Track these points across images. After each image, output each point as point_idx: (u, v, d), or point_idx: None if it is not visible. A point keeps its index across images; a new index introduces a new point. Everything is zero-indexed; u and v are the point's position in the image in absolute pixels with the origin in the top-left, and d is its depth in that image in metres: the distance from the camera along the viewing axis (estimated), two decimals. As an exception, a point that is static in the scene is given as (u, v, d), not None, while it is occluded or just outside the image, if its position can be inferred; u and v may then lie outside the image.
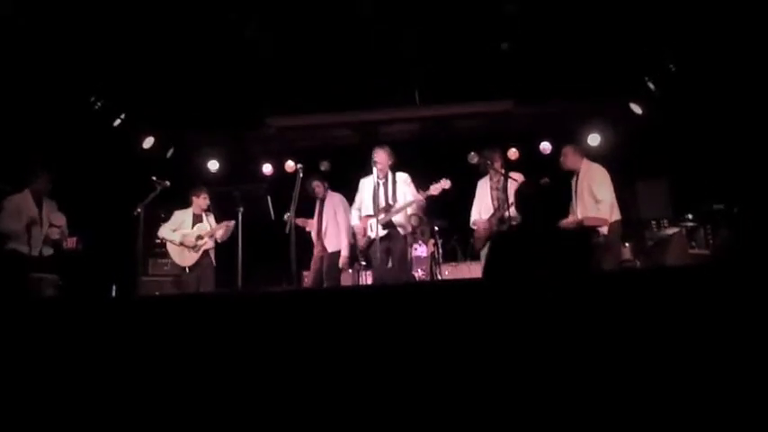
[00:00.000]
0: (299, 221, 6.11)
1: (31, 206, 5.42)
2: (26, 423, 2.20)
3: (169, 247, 6.17)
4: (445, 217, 6.96)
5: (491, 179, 5.85)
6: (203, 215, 6.26)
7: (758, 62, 5.34)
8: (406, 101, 7.36)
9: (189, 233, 6.13)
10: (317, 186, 6.25)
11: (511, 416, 2.01)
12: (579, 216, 5.39)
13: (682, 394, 1.97)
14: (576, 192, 5.50)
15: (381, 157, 5.62)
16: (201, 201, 6.22)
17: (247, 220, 5.87)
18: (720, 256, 5.68)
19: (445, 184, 5.43)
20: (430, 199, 5.53)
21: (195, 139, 8.13)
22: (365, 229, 5.64)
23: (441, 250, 7.07)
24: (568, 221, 5.50)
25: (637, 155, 7.06)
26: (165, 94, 6.79)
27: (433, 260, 7.05)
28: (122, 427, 2.17)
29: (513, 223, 5.22)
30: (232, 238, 5.97)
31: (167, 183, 5.71)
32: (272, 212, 6.23)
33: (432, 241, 7.06)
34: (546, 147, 7.81)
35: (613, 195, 5.33)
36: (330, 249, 6.16)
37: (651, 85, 6.64)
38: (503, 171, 5.81)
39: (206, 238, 6.13)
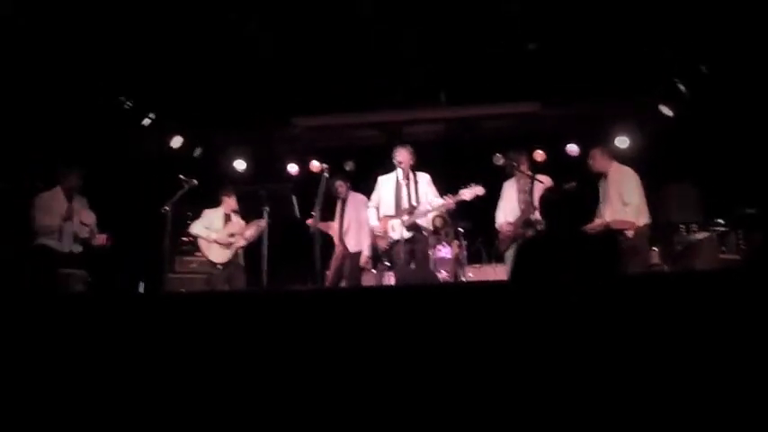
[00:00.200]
0: (322, 226, 6.12)
1: (62, 203, 5.53)
2: (56, 415, 2.24)
3: (202, 243, 6.27)
4: (469, 218, 6.91)
5: (517, 181, 5.80)
6: (232, 215, 6.35)
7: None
8: (432, 101, 7.34)
9: (222, 231, 6.23)
10: (340, 186, 6.27)
11: (536, 420, 1.99)
12: (608, 219, 5.33)
13: (712, 401, 1.93)
14: (604, 194, 5.44)
15: (404, 156, 5.55)
16: (232, 200, 6.31)
17: (272, 220, 5.92)
18: (752, 261, 5.56)
19: (479, 190, 5.32)
20: (460, 203, 5.43)
21: (222, 138, 8.22)
22: (386, 231, 5.56)
23: (465, 252, 7.03)
24: (595, 225, 5.44)
25: (666, 158, 6.93)
26: (194, 95, 6.87)
27: (457, 262, 7.01)
28: (151, 421, 2.19)
29: (539, 227, 5.16)
30: (258, 238, 6.02)
31: (195, 181, 5.78)
32: (296, 212, 6.26)
33: (456, 243, 7.03)
34: (573, 149, 7.72)
35: (642, 198, 5.26)
36: (352, 249, 6.17)
37: (682, 87, 6.52)
38: (529, 173, 5.76)
39: (238, 237, 6.22)
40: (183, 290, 6.74)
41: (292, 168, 8.36)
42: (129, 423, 2.20)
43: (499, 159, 6.03)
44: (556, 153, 7.70)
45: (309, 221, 6.10)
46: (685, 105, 6.66)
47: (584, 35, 6.04)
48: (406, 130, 8.03)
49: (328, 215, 6.29)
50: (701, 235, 6.11)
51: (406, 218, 5.37)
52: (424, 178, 5.61)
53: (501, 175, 6.10)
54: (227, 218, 6.32)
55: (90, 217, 5.65)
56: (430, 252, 6.46)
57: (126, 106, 6.77)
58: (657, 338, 2.04)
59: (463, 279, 6.85)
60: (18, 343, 2.37)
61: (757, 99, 5.73)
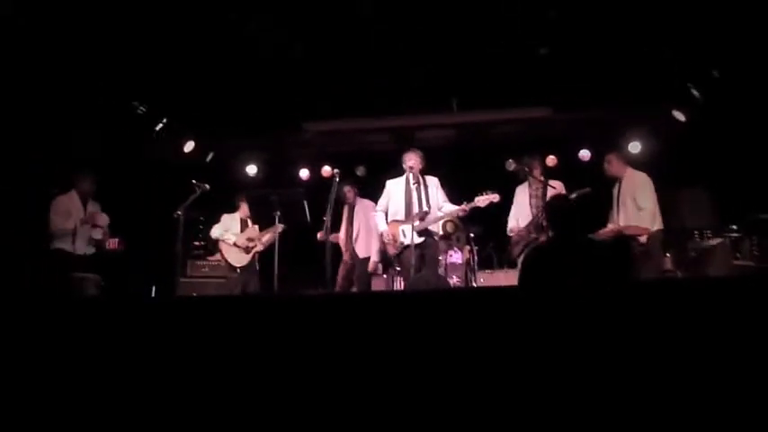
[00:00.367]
0: (333, 238, 6.17)
1: (78, 207, 5.62)
2: (70, 418, 2.25)
3: (223, 247, 6.36)
4: (481, 223, 6.89)
5: (529, 186, 5.79)
6: (248, 220, 6.42)
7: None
8: (444, 107, 7.34)
9: (240, 235, 6.31)
10: (348, 192, 6.29)
11: (547, 425, 1.97)
12: (621, 224, 5.31)
13: (725, 409, 1.91)
14: (617, 199, 5.43)
15: (415, 160, 5.47)
16: (246, 206, 6.38)
17: (284, 225, 5.94)
18: (767, 267, 5.50)
19: (494, 197, 5.26)
20: (474, 210, 5.37)
21: (234, 143, 8.25)
22: (395, 236, 5.46)
23: (476, 257, 7.01)
24: (607, 230, 5.43)
25: (679, 163, 6.88)
26: (206, 100, 6.91)
27: (469, 267, 6.99)
28: (163, 424, 2.20)
29: (552, 232, 5.15)
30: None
31: (207, 186, 5.82)
32: (308, 217, 6.28)
33: (467, 248, 7.01)
34: (585, 154, 7.69)
35: (656, 204, 5.25)
36: (361, 255, 6.18)
37: (694, 91, 6.47)
38: (542, 179, 5.74)
39: (256, 241, 6.29)
40: (195, 294, 6.78)
41: (304, 173, 8.39)
42: (141, 426, 2.21)
43: (511, 165, 6.03)
44: (568, 158, 7.67)
45: (320, 235, 6.13)
46: (698, 110, 6.61)
47: (596, 40, 6.01)
48: (418, 136, 8.03)
49: (336, 221, 6.30)
50: (714, 241, 6.06)
51: (417, 223, 5.31)
52: (433, 182, 5.55)
53: (512, 181, 6.09)
54: (244, 223, 6.41)
55: (104, 219, 5.71)
56: (441, 257, 6.45)
57: (139, 111, 6.82)
58: (670, 345, 2.02)
59: (475, 284, 6.82)
60: (33, 346, 2.39)
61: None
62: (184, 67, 6.26)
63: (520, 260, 5.59)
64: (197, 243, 7.36)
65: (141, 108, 6.85)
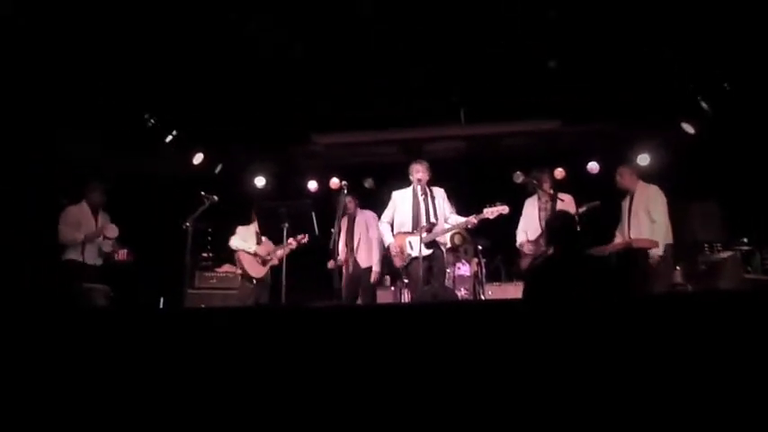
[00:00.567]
0: (330, 264, 6.32)
1: (89, 218, 5.65)
2: (80, 425, 2.25)
3: (243, 257, 6.37)
4: (489, 236, 6.87)
5: (539, 199, 5.78)
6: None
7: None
8: (452, 119, 7.34)
9: (259, 247, 6.35)
10: (349, 202, 6.30)
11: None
12: (632, 236, 5.29)
13: (734, 424, 1.89)
14: (629, 212, 5.41)
15: (422, 172, 5.44)
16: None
17: (292, 236, 5.97)
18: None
19: (503, 209, 5.17)
20: (483, 222, 5.31)
21: (243, 155, 8.29)
22: (402, 247, 5.41)
23: (484, 270, 6.98)
24: (615, 244, 5.40)
25: (689, 176, 6.85)
26: (215, 113, 6.96)
27: (477, 279, 6.96)
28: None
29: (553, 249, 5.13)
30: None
31: (215, 198, 5.84)
32: (316, 229, 6.30)
33: (475, 260, 6.99)
34: (593, 167, 7.67)
35: (668, 217, 5.24)
36: (363, 265, 6.18)
37: (704, 104, 6.45)
38: (551, 192, 5.73)
39: (272, 255, 6.33)
40: (203, 305, 6.78)
41: (312, 185, 8.41)
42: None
43: (519, 177, 6.02)
44: (576, 171, 7.65)
45: (331, 264, 6.30)
46: (708, 123, 6.59)
47: (605, 52, 6.01)
48: (427, 148, 8.04)
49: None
50: (724, 254, 6.01)
51: (425, 235, 5.27)
52: (440, 193, 5.52)
53: (521, 193, 6.08)
54: (259, 235, 6.44)
55: (114, 231, 5.73)
56: (449, 270, 6.43)
57: (149, 123, 6.87)
58: (681, 358, 2.01)
59: (483, 297, 6.79)
60: (43, 356, 2.40)
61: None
62: (194, 80, 6.31)
63: (529, 273, 5.58)
64: (205, 254, 7.37)
65: (151, 120, 6.90)
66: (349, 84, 6.57)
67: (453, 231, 5.86)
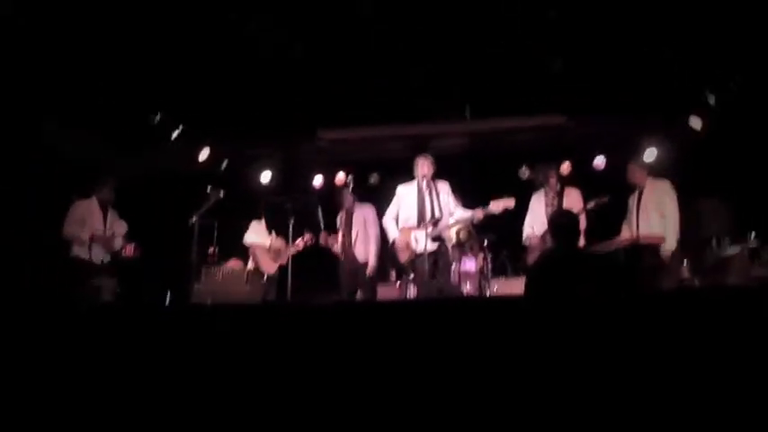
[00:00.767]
0: (330, 240, 6.24)
1: (97, 214, 5.64)
2: (85, 421, 2.27)
3: (258, 252, 6.38)
4: (494, 231, 6.85)
5: (545, 194, 5.77)
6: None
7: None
8: (457, 115, 7.33)
9: (273, 240, 6.37)
10: (347, 197, 6.30)
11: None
12: (641, 232, 5.28)
13: (741, 420, 1.88)
14: (637, 207, 5.39)
15: (426, 166, 5.40)
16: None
17: (298, 232, 5.98)
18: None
19: (509, 203, 5.08)
20: (488, 216, 5.25)
21: (249, 151, 8.30)
22: (408, 243, 5.36)
23: (490, 265, 6.96)
24: (622, 239, 5.39)
25: (696, 171, 6.81)
26: (221, 108, 6.97)
27: (482, 275, 6.95)
28: (176, 428, 2.21)
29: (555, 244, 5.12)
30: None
31: (221, 193, 5.85)
32: (322, 224, 6.31)
33: (481, 255, 6.97)
34: (599, 162, 7.63)
35: (677, 212, 5.24)
36: (360, 260, 6.18)
37: (711, 100, 6.41)
38: (558, 187, 5.72)
39: (284, 252, 6.34)
40: (209, 301, 6.79)
41: (317, 181, 8.41)
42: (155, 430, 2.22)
43: (525, 173, 6.00)
44: (582, 166, 7.62)
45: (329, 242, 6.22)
46: (715, 118, 6.55)
47: (611, 47, 5.98)
48: (432, 144, 8.01)
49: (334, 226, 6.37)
50: (732, 250, 5.98)
51: (430, 229, 5.24)
52: (445, 187, 5.47)
53: (527, 188, 6.07)
54: (269, 231, 6.46)
55: (122, 227, 5.75)
56: (454, 265, 6.41)
57: (155, 120, 6.89)
58: (688, 353, 2.00)
59: (488, 292, 6.77)
60: (49, 352, 2.41)
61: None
62: (200, 76, 6.33)
63: (535, 268, 5.57)
64: (211, 250, 7.38)
65: (158, 116, 6.92)
66: (355, 79, 6.57)
67: (459, 227, 5.83)
